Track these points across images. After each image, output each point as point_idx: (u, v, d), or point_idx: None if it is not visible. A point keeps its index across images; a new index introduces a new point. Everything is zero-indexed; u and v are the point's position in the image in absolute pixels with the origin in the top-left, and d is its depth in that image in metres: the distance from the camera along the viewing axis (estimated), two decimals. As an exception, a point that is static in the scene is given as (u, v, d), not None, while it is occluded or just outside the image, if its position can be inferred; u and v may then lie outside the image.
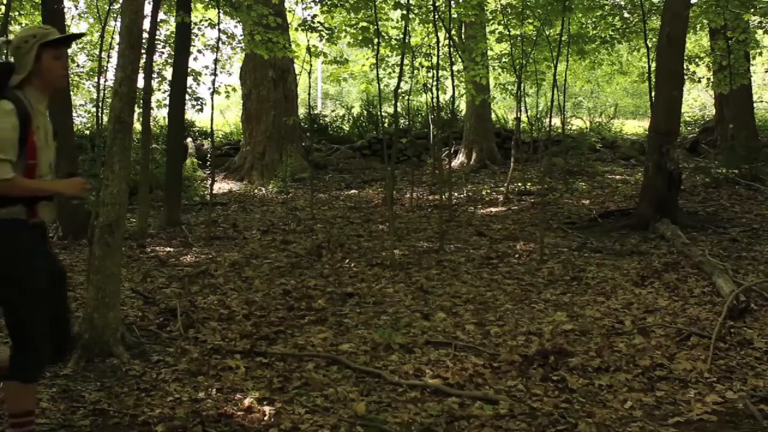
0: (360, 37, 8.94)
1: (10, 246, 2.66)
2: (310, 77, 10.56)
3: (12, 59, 2.79)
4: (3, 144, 2.58)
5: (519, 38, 11.67)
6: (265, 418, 3.31)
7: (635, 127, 19.44)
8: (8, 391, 2.80)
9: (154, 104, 11.72)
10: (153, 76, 11.10)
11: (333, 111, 20.56)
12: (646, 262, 6.58)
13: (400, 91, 8.38)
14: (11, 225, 2.67)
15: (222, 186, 13.28)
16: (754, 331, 4.44)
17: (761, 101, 18.97)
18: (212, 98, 9.30)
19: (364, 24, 9.00)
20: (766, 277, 5.81)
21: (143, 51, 7.91)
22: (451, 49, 10.71)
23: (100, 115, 9.57)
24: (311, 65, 10.33)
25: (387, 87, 14.26)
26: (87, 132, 14.47)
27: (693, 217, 8.57)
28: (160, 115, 14.93)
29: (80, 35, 3.00)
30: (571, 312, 5.11)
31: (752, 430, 3.18)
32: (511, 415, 3.34)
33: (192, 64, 11.37)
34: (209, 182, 10.02)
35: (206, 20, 11.34)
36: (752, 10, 10.11)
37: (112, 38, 11.19)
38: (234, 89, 12.15)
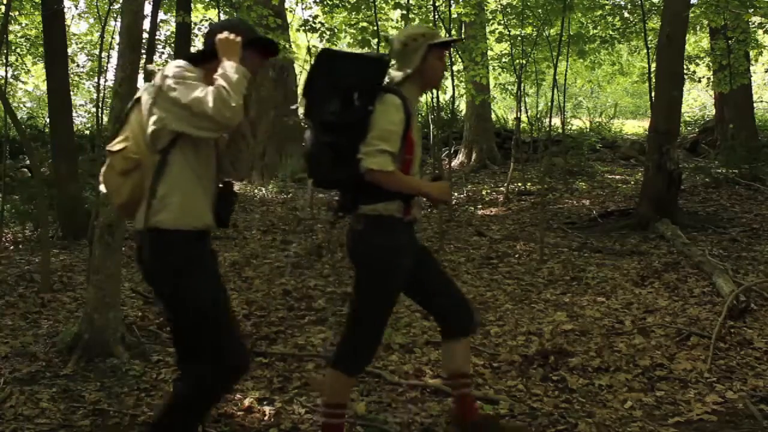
0: (360, 37, 8.94)
1: (387, 242, 2.70)
2: (310, 77, 10.52)
3: (391, 56, 2.80)
4: (390, 136, 2.61)
5: (519, 38, 11.68)
6: (265, 418, 3.32)
7: (635, 127, 19.43)
8: (329, 378, 2.83)
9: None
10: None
11: (333, 111, 20.51)
12: (646, 262, 6.58)
13: (400, 91, 8.37)
14: (390, 221, 2.70)
15: (222, 186, 13.25)
16: (754, 331, 4.43)
17: (761, 101, 18.97)
18: (212, 98, 9.27)
19: (364, 24, 9.01)
20: (766, 277, 5.81)
21: (143, 51, 7.90)
22: (451, 49, 10.71)
23: (100, 115, 9.55)
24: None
25: (387, 87, 14.23)
26: (87, 132, 14.46)
27: (693, 217, 8.56)
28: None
29: (459, 40, 3.07)
30: (571, 312, 5.11)
31: (752, 430, 3.18)
32: (511, 415, 3.34)
33: (192, 64, 11.33)
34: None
35: (206, 20, 11.35)
36: (752, 10, 10.10)
37: (112, 38, 11.19)
38: (234, 89, 12.13)
